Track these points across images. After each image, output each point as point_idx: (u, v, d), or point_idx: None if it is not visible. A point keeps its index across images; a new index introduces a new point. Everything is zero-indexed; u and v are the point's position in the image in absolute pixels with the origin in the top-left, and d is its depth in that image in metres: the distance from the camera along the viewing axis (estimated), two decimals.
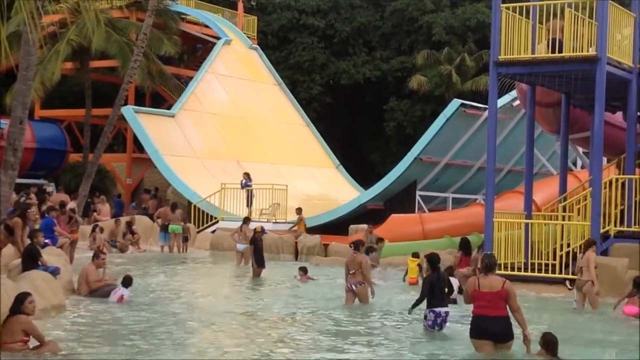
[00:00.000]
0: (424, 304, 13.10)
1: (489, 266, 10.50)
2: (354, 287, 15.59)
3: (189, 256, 26.14)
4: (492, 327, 10.28)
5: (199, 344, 11.99)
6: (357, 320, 14.18)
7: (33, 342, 10.60)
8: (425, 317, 12.94)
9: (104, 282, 16.40)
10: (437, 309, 12.77)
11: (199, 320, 13.97)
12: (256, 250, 20.89)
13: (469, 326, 10.71)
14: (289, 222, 29.39)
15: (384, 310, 15.25)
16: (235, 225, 26.41)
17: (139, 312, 14.52)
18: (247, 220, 24.05)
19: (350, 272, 15.51)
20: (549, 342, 10.19)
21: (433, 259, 13.28)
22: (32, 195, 24.55)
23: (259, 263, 20.77)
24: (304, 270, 20.26)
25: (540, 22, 19.66)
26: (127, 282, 16.06)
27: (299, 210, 28.32)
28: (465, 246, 18.63)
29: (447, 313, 12.91)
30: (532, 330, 10.85)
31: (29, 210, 17.37)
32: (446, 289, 13.25)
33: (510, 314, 10.48)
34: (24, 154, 17.87)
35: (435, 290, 12.85)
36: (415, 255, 19.59)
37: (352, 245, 16.12)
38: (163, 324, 13.37)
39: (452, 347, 11.89)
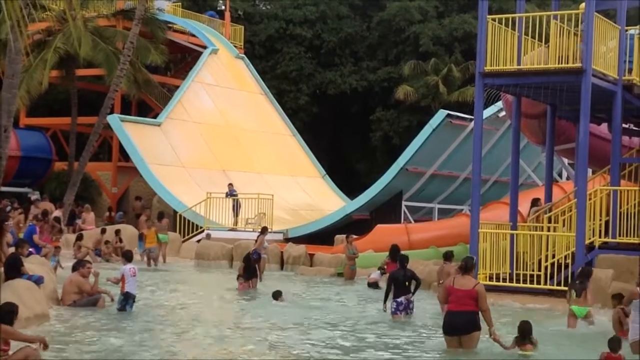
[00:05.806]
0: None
1: (466, 267, 11.95)
2: None
3: (173, 266, 25.99)
4: (457, 320, 11.62)
5: (186, 355, 11.93)
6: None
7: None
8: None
9: (95, 289, 16.23)
10: (399, 299, 15.05)
11: (185, 330, 13.90)
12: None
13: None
14: (275, 232, 29.30)
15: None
16: (221, 234, 26.29)
17: (123, 321, 14.44)
18: (264, 230, 24.07)
19: (440, 282, 16.28)
20: (522, 330, 11.63)
21: (402, 259, 15.67)
22: (17, 204, 24.43)
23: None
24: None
25: (526, 34, 19.74)
26: (129, 256, 16.20)
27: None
28: (392, 253, 19.54)
29: (407, 300, 15.07)
30: None
31: (6, 223, 17.10)
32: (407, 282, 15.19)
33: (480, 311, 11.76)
34: (8, 162, 17.84)
35: (396, 283, 15.13)
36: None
37: (444, 256, 17.32)
38: (147, 332, 13.31)
39: None
